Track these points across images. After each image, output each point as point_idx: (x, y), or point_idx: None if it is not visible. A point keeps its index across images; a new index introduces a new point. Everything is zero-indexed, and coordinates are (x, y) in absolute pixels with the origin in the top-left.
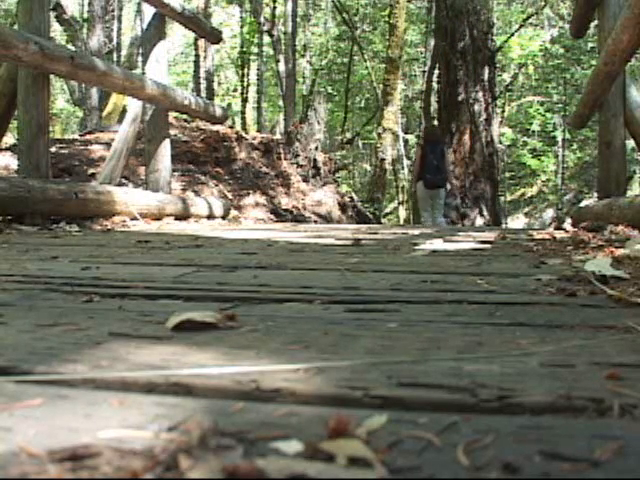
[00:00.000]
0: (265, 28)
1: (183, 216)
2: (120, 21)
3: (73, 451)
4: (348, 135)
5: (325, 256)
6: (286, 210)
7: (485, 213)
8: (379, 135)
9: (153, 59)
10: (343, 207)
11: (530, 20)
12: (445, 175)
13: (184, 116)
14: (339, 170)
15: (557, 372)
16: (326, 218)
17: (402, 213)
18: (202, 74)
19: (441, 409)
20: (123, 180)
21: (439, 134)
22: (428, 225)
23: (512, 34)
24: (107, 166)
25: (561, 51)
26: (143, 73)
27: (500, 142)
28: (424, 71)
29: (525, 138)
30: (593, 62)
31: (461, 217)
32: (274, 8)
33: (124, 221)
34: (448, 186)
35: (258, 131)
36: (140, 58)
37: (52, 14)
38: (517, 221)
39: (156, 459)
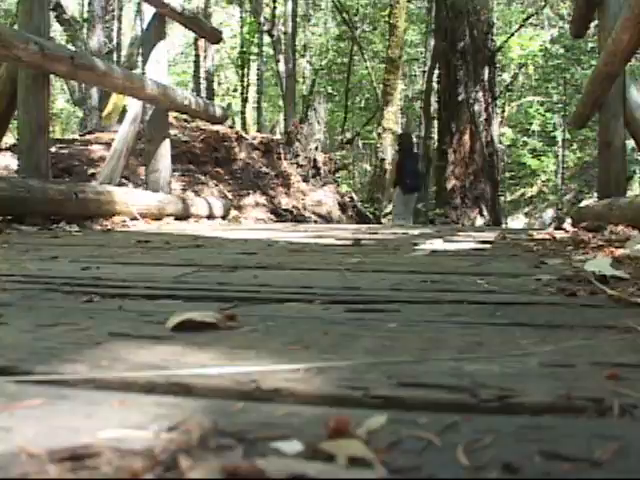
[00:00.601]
0: (265, 28)
1: (183, 216)
2: (120, 21)
3: (73, 451)
4: (348, 135)
5: (325, 256)
6: (286, 210)
7: (485, 213)
8: (379, 135)
9: (153, 59)
10: (343, 207)
11: (530, 20)
12: (421, 179)
13: (184, 116)
14: (339, 170)
15: (557, 372)
16: (326, 218)
17: None
18: (202, 74)
19: (441, 409)
20: (123, 180)
21: (413, 142)
22: (409, 226)
23: (512, 34)
24: (107, 166)
25: (561, 51)
26: (143, 73)
27: (500, 142)
28: (424, 71)
29: (525, 138)
30: (593, 62)
31: (430, 222)
32: (274, 8)
33: (124, 221)
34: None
35: (258, 131)
36: (140, 58)
37: (52, 14)
38: (517, 221)
39: (156, 459)
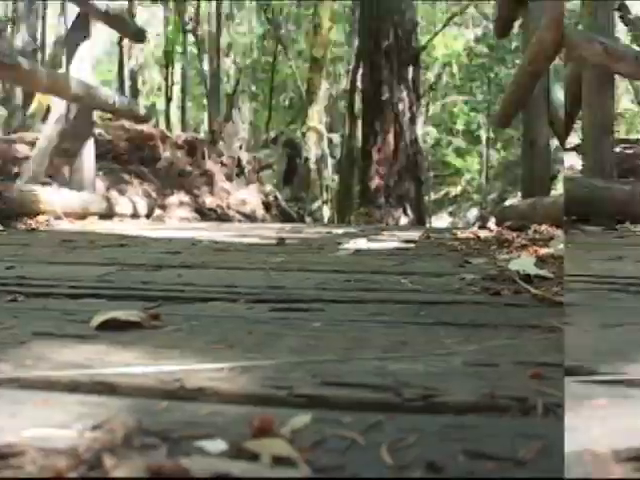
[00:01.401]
0: (189, 27)
1: (107, 215)
2: (44, 20)
3: None
4: (272, 134)
5: (249, 255)
6: (210, 209)
7: (409, 212)
8: (303, 134)
9: (77, 58)
10: (267, 206)
11: (454, 19)
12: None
13: (108, 115)
14: (264, 169)
15: (481, 371)
16: (250, 217)
17: (326, 212)
18: (126, 73)
19: (365, 408)
20: (47, 179)
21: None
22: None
23: (436, 33)
24: (31, 165)
25: (485, 50)
26: (67, 72)
27: (424, 141)
28: (348, 70)
29: (449, 137)
30: (517, 61)
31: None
32: (198, 7)
33: (48, 220)
34: None
35: (182, 130)
36: (64, 57)
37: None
38: (441, 220)
39: (80, 458)
